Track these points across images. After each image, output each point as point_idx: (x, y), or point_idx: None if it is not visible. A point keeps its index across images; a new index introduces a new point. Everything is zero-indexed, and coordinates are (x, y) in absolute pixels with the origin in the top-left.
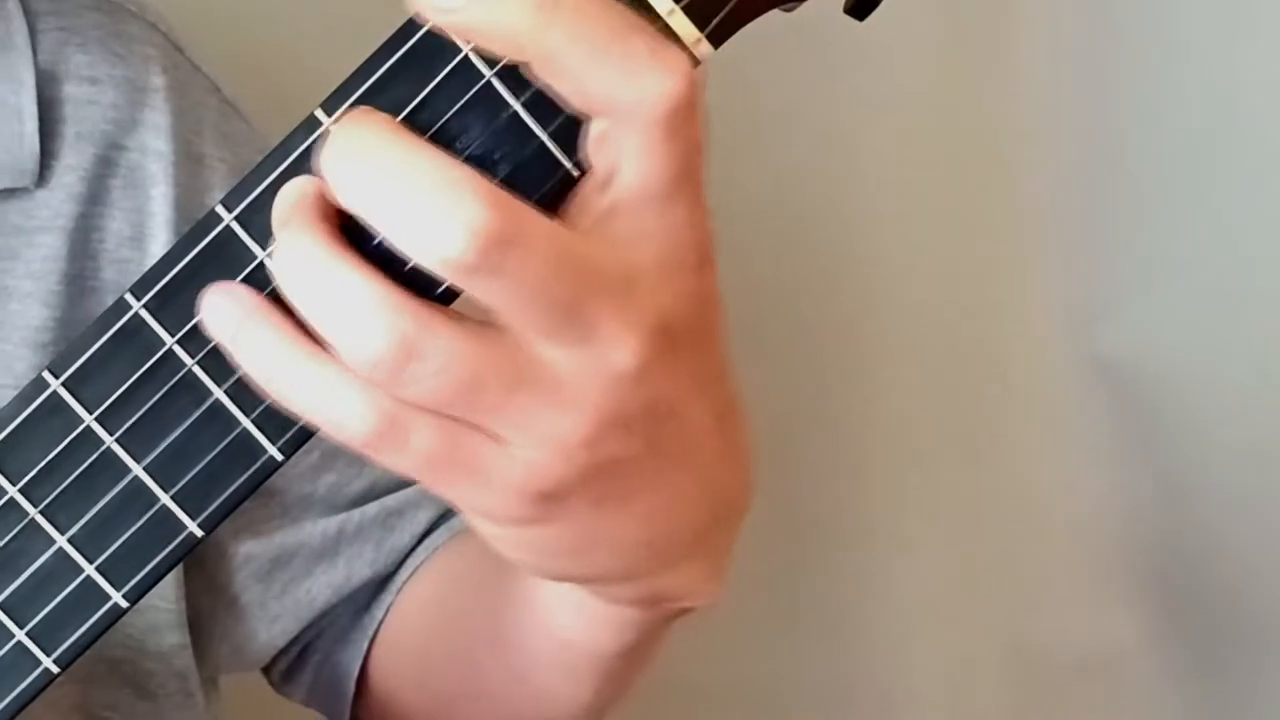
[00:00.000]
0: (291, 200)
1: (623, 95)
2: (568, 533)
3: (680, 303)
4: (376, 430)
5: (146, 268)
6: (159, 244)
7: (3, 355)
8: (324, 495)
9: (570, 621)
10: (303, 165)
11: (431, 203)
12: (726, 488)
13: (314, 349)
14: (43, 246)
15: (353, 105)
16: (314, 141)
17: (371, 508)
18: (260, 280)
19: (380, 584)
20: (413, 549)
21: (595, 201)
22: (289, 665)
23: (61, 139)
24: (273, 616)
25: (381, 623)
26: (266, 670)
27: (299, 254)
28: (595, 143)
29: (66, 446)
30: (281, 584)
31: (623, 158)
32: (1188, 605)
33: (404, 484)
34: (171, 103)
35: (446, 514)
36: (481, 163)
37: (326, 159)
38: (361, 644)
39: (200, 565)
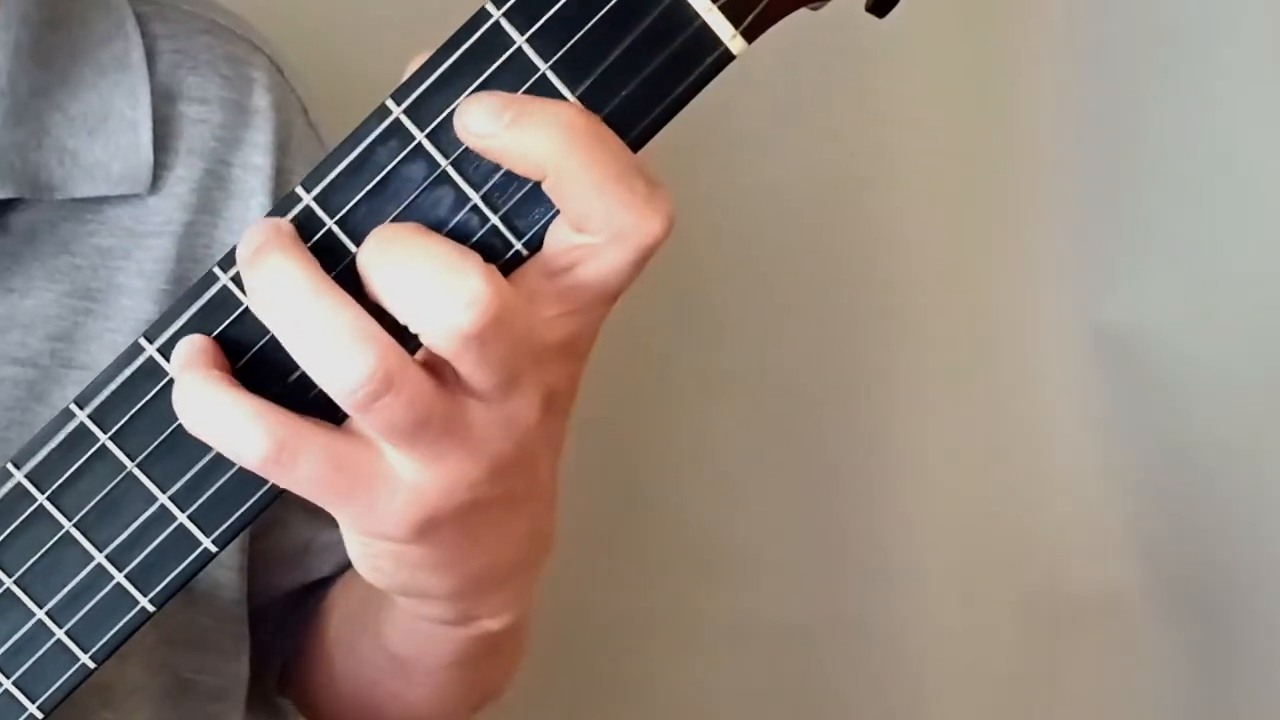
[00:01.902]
0: (266, 231)
1: (620, 224)
2: (424, 555)
3: (564, 380)
4: (268, 457)
5: None
6: None
7: (114, 345)
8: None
9: (401, 637)
10: (375, 149)
11: (442, 283)
12: (544, 535)
13: (222, 385)
14: (154, 249)
15: (420, 95)
16: (385, 128)
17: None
18: (337, 251)
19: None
20: None
21: (537, 283)
22: None
23: (174, 152)
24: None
25: (319, 610)
26: None
27: (288, 282)
28: (567, 245)
29: (160, 404)
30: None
31: (593, 264)
32: (1182, 553)
33: None
34: (272, 121)
35: None
36: None
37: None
38: (304, 615)
39: None
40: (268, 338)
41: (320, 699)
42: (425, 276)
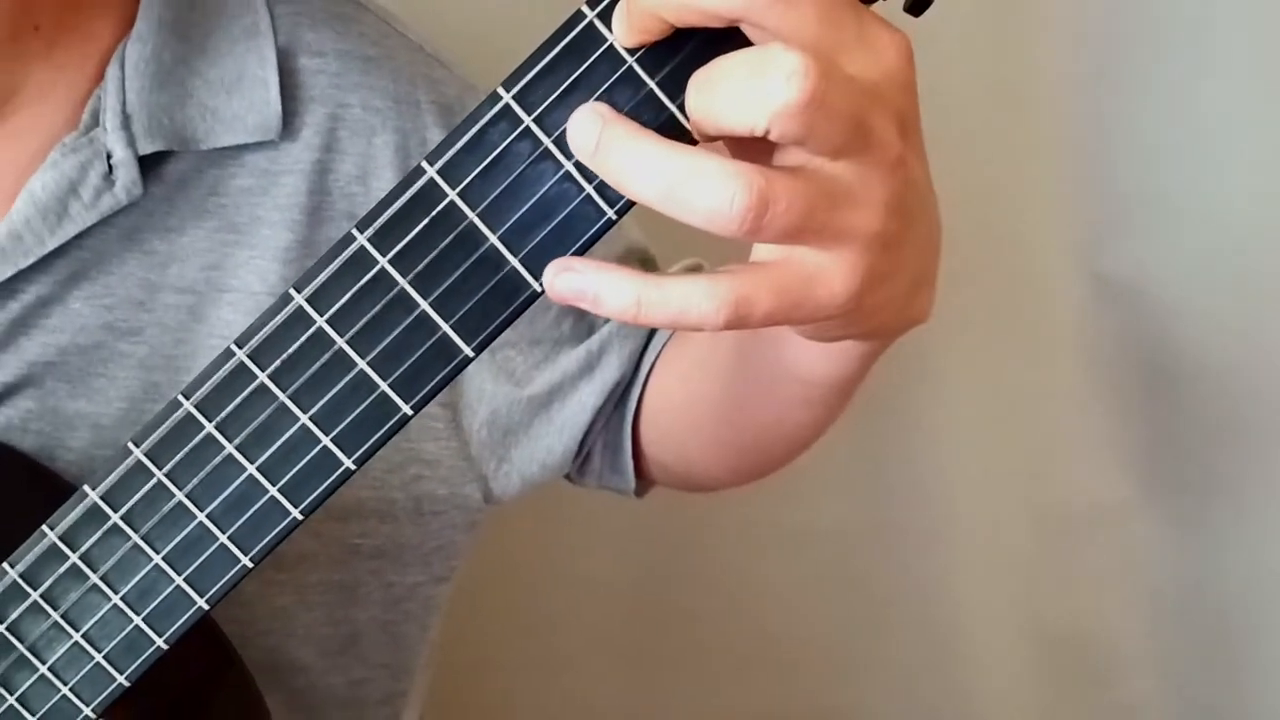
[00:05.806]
0: (601, 117)
1: None
2: (863, 311)
3: (904, 97)
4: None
5: (371, 200)
6: (382, 180)
7: (258, 268)
8: (569, 333)
9: (818, 366)
10: (488, 131)
11: (761, 67)
12: (937, 226)
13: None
14: (287, 185)
15: (527, 84)
16: (496, 112)
17: (609, 326)
18: (455, 217)
19: (629, 379)
20: (644, 347)
21: (845, 42)
22: (580, 464)
23: (299, 101)
24: (559, 429)
25: (640, 406)
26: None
27: (643, 153)
28: None
29: (308, 346)
30: (560, 404)
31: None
32: (1169, 470)
33: None
34: (385, 67)
35: None
36: None
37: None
38: (627, 427)
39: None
40: None
41: (700, 454)
42: (740, 73)
